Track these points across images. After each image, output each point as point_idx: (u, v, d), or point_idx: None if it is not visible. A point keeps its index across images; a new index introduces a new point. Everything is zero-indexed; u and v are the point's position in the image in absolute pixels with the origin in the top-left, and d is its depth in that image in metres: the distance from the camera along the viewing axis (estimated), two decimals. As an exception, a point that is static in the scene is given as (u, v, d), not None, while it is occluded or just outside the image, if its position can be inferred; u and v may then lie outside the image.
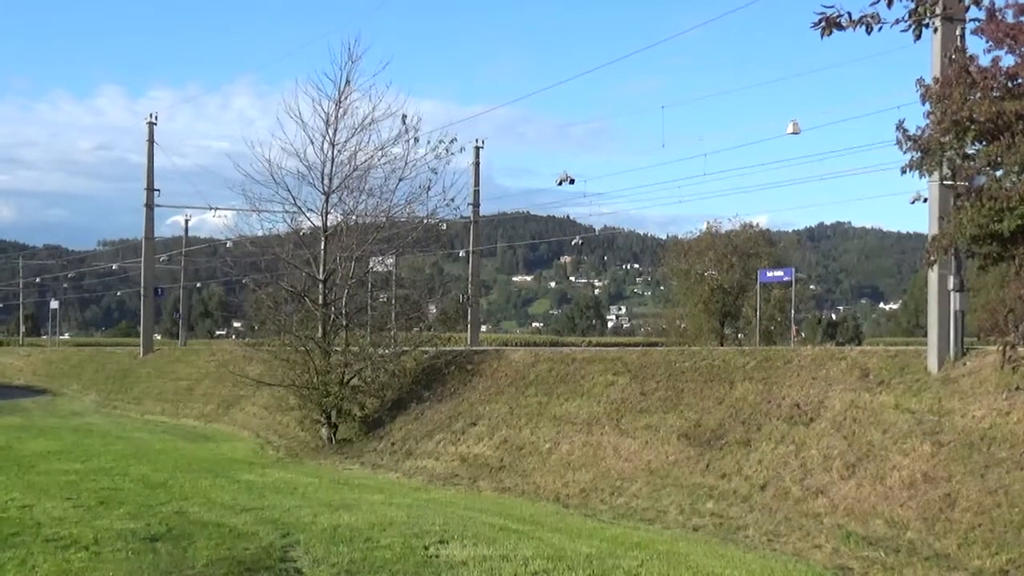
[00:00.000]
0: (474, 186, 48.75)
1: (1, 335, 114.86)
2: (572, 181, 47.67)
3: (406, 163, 28.54)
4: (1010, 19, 11.97)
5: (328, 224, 29.24)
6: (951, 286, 16.43)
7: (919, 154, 13.17)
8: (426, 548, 12.52)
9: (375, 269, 30.49)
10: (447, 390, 26.70)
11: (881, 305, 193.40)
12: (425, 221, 31.16)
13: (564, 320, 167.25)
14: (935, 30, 14.39)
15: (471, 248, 49.52)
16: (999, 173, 12.61)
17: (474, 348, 34.15)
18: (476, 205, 50.17)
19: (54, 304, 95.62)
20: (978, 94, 12.47)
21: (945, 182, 14.74)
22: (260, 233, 31.11)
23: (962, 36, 14.33)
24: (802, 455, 16.17)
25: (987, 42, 12.33)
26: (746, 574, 11.63)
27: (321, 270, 28.79)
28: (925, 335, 17.60)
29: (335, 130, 28.48)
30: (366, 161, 28.77)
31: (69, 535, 13.28)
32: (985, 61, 12.55)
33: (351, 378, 27.62)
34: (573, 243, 73.92)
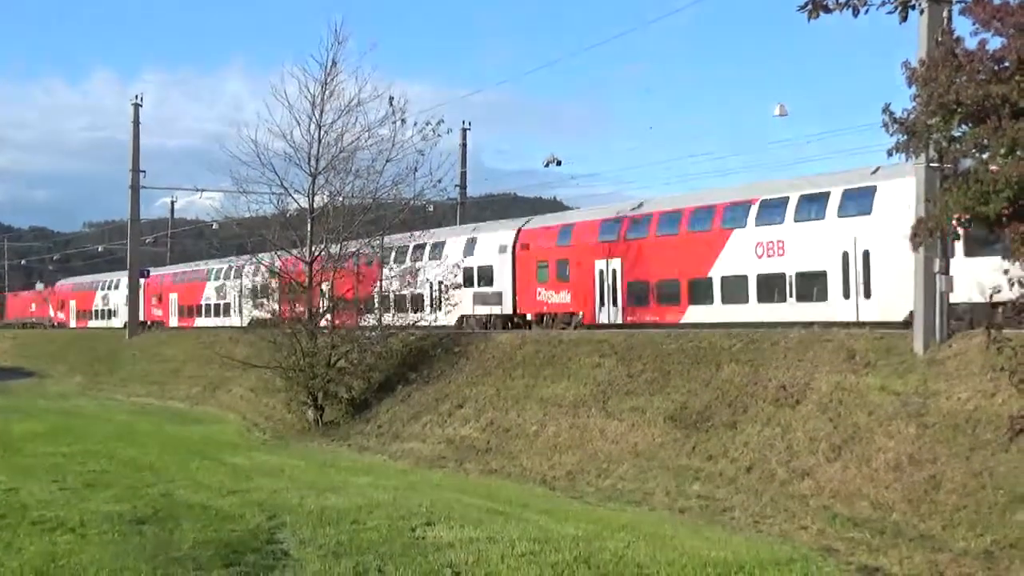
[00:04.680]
0: (461, 167, 48.60)
1: None
2: (559, 162, 47.51)
3: (393, 144, 28.45)
4: (997, 0, 11.94)
5: (315, 205, 29.14)
6: (937, 269, 16.48)
7: (905, 137, 13.17)
8: (413, 530, 12.54)
9: (362, 251, 30.41)
10: (434, 372, 26.67)
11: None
12: (412, 202, 31.03)
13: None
14: (921, 12, 14.36)
15: (458, 230, 49.39)
16: (985, 156, 12.61)
17: (461, 330, 34.10)
18: (463, 187, 50.06)
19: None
20: (964, 77, 12.45)
21: (931, 165, 14.76)
22: (247, 215, 31.00)
23: (949, 18, 14.32)
24: (788, 437, 16.23)
25: (974, 24, 12.31)
26: (732, 555, 11.66)
27: (308, 251, 28.72)
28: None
29: (322, 111, 28.38)
30: (353, 142, 28.68)
31: (55, 518, 13.26)
32: (972, 43, 12.54)
33: (337, 360, 27.56)
34: (561, 225, 73.56)
